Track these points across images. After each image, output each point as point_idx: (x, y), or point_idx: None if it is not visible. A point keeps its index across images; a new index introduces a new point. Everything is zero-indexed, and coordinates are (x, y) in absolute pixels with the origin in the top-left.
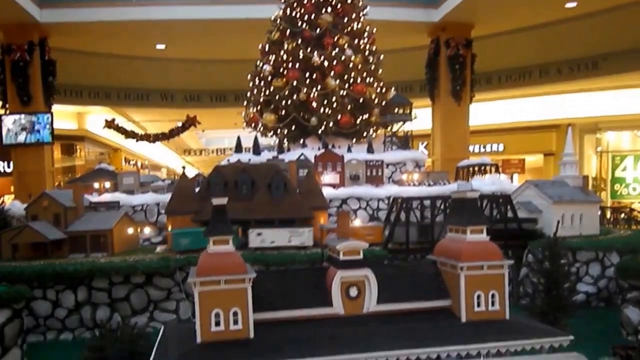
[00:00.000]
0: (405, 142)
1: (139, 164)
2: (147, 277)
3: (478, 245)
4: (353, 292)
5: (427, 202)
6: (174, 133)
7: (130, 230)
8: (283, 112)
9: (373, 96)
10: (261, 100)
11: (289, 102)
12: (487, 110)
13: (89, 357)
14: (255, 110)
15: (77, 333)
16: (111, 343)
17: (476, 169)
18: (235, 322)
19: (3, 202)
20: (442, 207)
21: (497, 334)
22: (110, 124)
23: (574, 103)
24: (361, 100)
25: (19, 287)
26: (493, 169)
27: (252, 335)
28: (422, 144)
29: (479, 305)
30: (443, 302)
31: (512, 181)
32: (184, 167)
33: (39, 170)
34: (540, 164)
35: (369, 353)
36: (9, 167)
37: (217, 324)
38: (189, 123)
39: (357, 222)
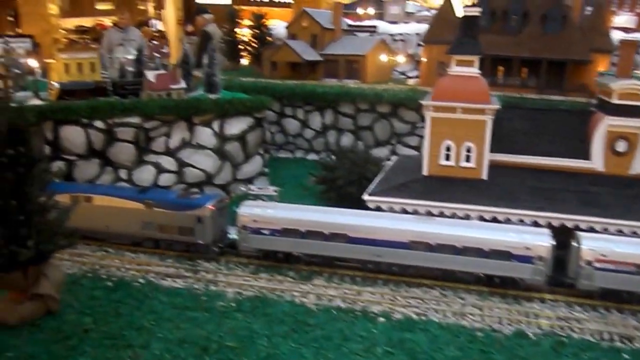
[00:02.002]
0: None
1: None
2: (393, 107)
3: None
4: (621, 146)
5: None
6: None
7: (384, 59)
8: None
9: None
10: None
11: None
12: None
13: (321, 175)
14: None
15: (322, 156)
16: (343, 164)
17: None
18: (468, 159)
19: (266, 20)
20: None
21: None
22: None
23: None
24: None
25: (260, 96)
26: None
27: (485, 176)
28: None
29: None
30: None
31: None
32: None
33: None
34: None
35: (622, 221)
36: None
37: (447, 157)
38: None
39: None
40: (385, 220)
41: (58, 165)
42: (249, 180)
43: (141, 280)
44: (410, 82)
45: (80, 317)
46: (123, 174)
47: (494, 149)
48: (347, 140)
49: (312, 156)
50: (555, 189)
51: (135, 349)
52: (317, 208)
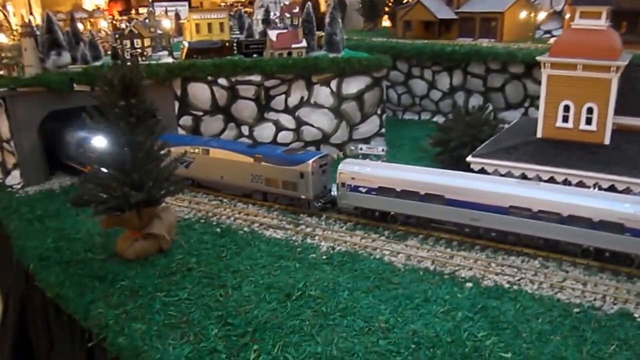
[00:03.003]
0: None
1: None
2: (527, 67)
3: None
4: None
5: None
6: None
7: (524, 15)
8: None
9: None
10: None
11: None
12: None
13: (436, 136)
14: None
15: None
16: (458, 125)
17: None
18: (589, 122)
19: None
20: None
21: None
22: None
23: None
24: None
25: (379, 56)
26: None
27: (607, 141)
28: None
29: None
30: None
31: None
32: None
33: None
34: None
35: None
36: None
37: (565, 119)
38: None
39: None
40: (483, 182)
41: (186, 119)
42: (365, 140)
43: (246, 229)
44: (552, 41)
45: (187, 257)
46: (245, 130)
47: (622, 111)
48: (475, 101)
49: (438, 118)
50: None
51: (228, 289)
52: (415, 168)
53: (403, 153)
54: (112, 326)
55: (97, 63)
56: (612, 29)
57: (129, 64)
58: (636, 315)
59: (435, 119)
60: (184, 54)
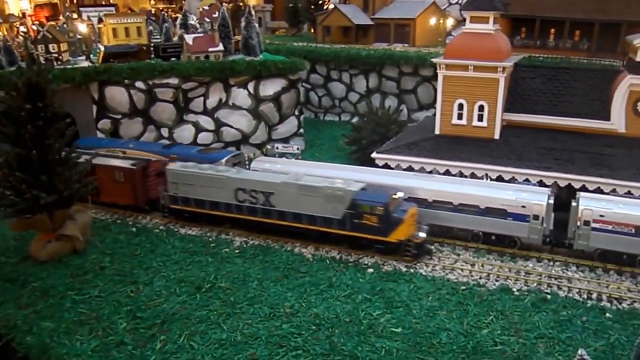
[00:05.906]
0: None
1: None
2: (436, 70)
3: None
4: None
5: None
6: None
7: (434, 21)
8: None
9: None
10: None
11: None
12: None
13: (351, 136)
14: None
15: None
16: (369, 125)
17: None
18: (480, 119)
19: None
20: None
21: None
22: None
23: None
24: None
25: (294, 59)
26: None
27: (496, 136)
28: None
29: None
30: None
31: None
32: None
33: None
34: None
35: (631, 182)
36: None
37: (460, 117)
38: None
39: None
40: (383, 176)
41: (105, 123)
42: (284, 140)
43: (162, 227)
44: None
45: (100, 257)
46: (165, 132)
47: (511, 108)
48: (390, 103)
49: (356, 119)
50: (568, 150)
51: (139, 285)
52: (321, 164)
53: (322, 152)
54: (21, 326)
55: (13, 68)
56: (501, 33)
57: (35, 67)
58: (514, 289)
59: (354, 120)
60: (101, 58)
